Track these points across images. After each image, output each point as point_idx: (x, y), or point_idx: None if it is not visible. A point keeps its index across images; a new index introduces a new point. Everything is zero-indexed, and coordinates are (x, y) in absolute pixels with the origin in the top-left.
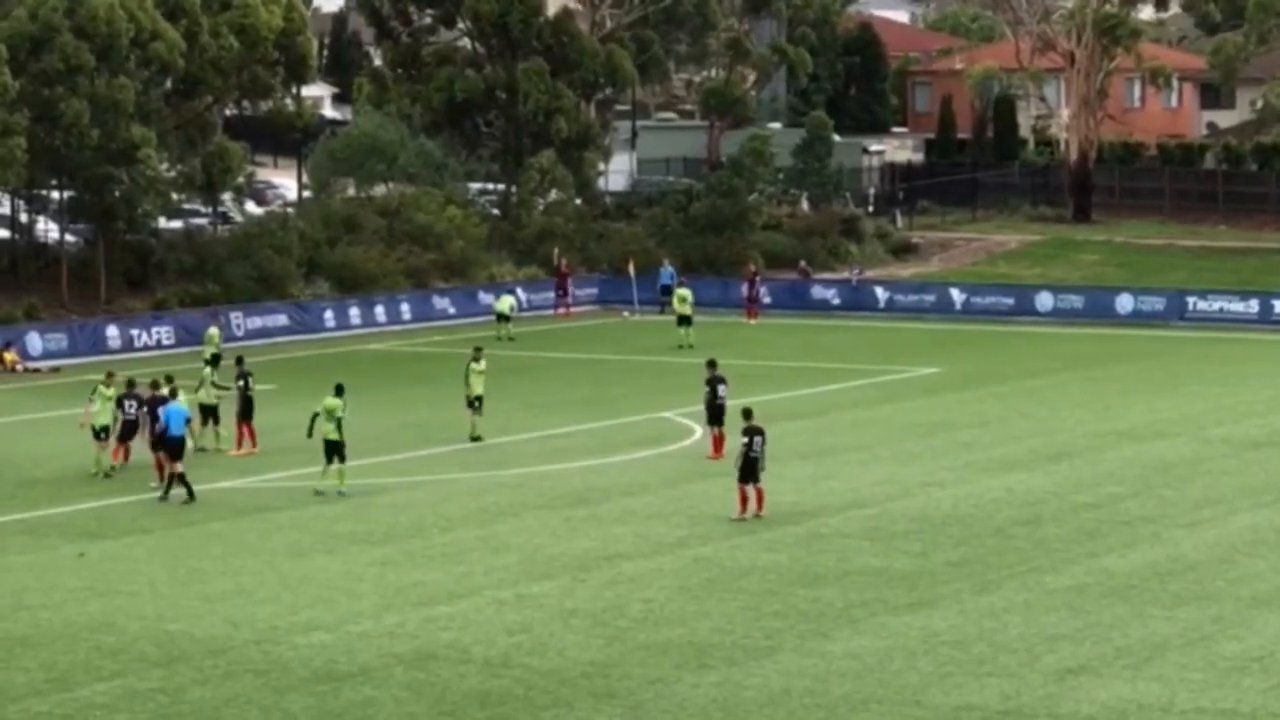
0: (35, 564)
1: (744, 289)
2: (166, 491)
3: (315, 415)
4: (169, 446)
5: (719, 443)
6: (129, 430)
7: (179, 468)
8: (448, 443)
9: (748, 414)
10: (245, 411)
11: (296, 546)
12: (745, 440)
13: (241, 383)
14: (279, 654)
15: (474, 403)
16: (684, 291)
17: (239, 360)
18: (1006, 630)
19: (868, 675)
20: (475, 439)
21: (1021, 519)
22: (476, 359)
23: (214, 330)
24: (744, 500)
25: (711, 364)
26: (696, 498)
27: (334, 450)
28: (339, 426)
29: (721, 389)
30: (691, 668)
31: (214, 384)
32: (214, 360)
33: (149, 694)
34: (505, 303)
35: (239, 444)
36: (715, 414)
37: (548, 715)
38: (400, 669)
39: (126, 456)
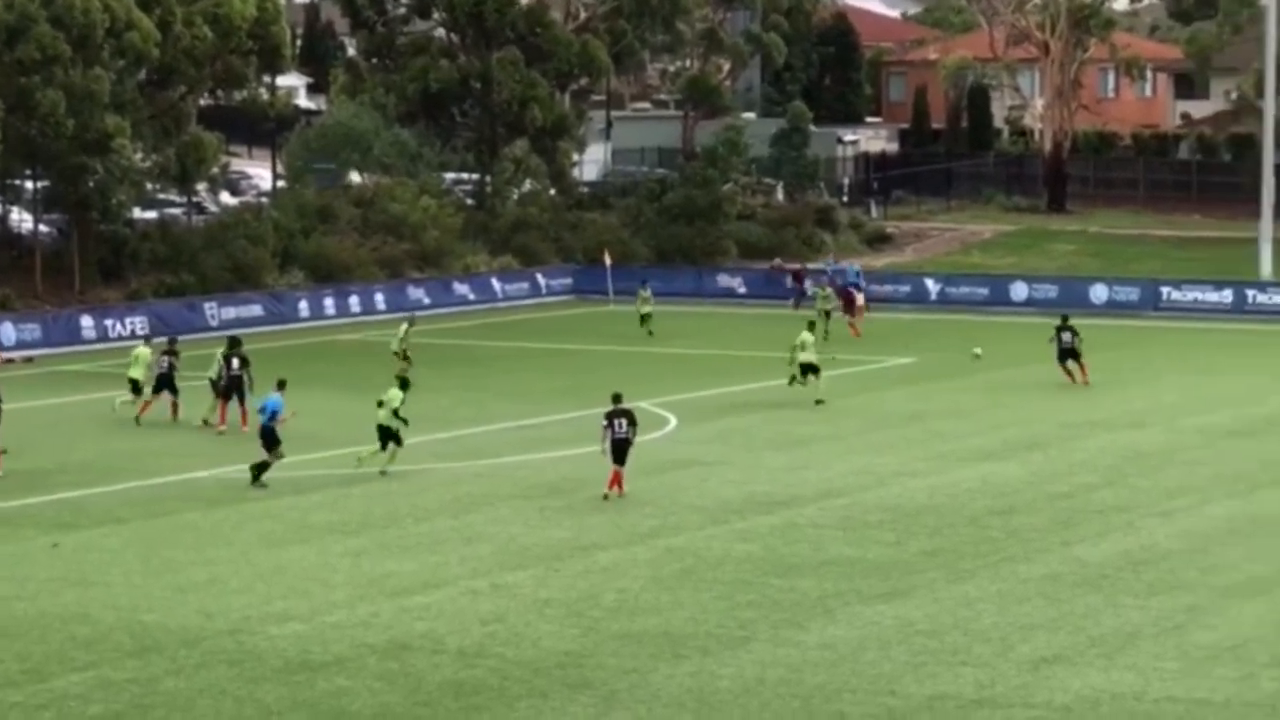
0: (9, 555)
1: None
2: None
3: (380, 402)
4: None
5: None
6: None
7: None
8: (422, 433)
9: (617, 398)
10: (228, 391)
11: (270, 537)
12: (604, 423)
13: (224, 363)
14: (253, 644)
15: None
16: (829, 290)
17: (232, 341)
18: (980, 619)
19: (842, 665)
20: (819, 401)
21: (995, 508)
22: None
23: (405, 326)
24: (616, 479)
25: None
26: (670, 487)
27: (387, 435)
28: (395, 414)
29: None
30: (666, 658)
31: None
32: (404, 355)
33: (123, 684)
34: (646, 302)
35: (221, 420)
36: None
37: (522, 705)
38: (374, 659)
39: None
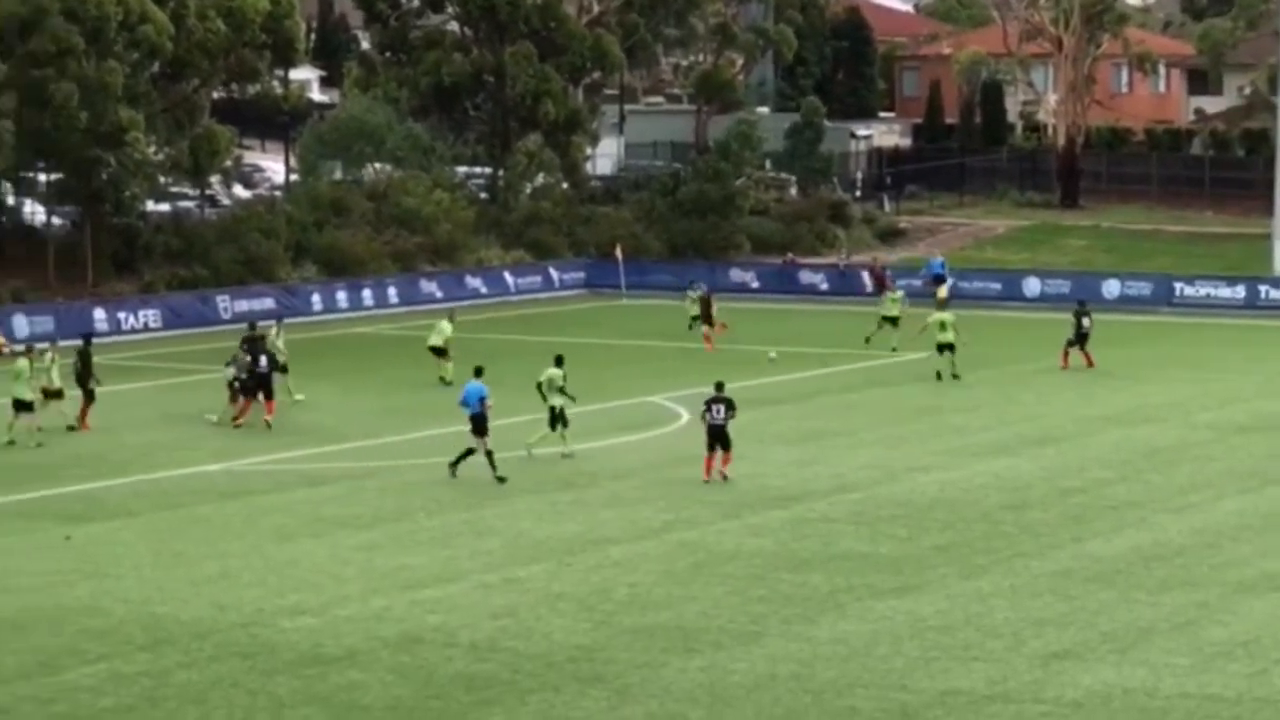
0: (22, 547)
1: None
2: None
3: (539, 384)
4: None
5: None
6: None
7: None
8: (434, 426)
9: (719, 386)
10: (253, 390)
11: (283, 530)
12: (704, 408)
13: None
14: (265, 637)
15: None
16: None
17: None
18: (992, 615)
19: (853, 660)
20: (956, 376)
21: (1008, 504)
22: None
23: (445, 323)
24: (710, 465)
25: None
26: (682, 482)
27: (556, 416)
28: (562, 391)
29: None
30: (678, 652)
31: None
32: (440, 351)
33: (135, 677)
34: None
35: (239, 415)
36: None
37: (534, 699)
38: (386, 652)
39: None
